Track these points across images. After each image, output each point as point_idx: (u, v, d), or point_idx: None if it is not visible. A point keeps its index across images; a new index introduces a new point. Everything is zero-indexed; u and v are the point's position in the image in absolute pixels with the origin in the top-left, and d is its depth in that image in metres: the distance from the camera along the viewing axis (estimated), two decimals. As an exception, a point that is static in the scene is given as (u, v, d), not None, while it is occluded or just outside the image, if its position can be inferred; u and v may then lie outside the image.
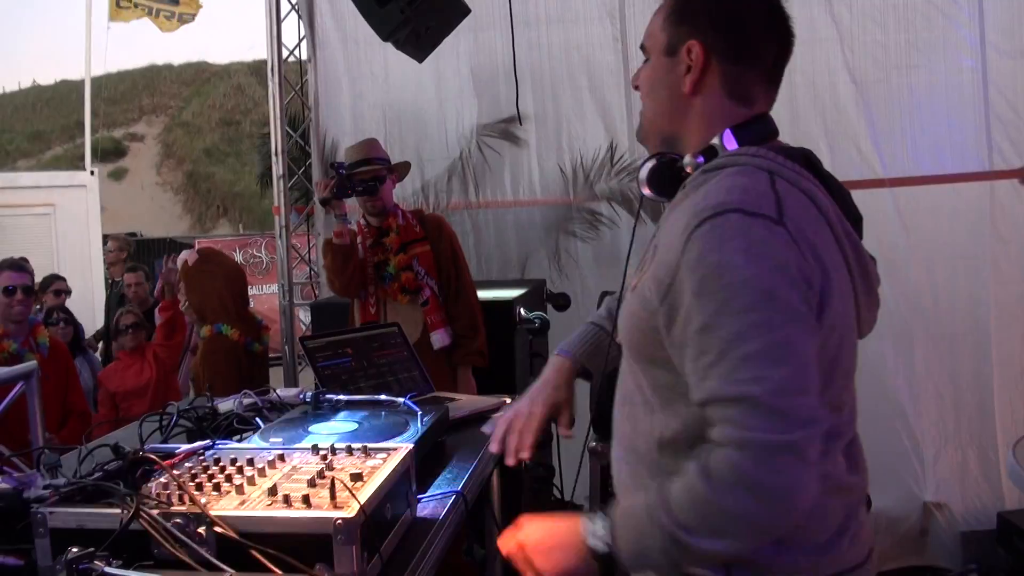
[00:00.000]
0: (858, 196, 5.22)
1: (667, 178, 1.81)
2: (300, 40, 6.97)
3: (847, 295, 1.66)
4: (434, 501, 2.35)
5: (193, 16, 13.91)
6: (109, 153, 38.28)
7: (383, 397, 2.72)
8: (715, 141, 1.75)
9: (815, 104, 5.80)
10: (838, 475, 1.68)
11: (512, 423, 2.22)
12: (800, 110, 5.82)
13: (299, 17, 6.94)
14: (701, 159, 1.75)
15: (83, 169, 14.77)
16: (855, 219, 1.76)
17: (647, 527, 1.58)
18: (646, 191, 1.86)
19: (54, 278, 8.18)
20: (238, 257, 16.24)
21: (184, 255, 5.51)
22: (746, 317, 1.48)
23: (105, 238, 12.70)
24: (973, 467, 5.66)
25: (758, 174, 1.62)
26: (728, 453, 1.47)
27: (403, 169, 5.34)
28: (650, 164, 1.84)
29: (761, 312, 1.48)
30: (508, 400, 3.36)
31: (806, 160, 1.72)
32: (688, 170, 1.77)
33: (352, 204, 5.16)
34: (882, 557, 5.53)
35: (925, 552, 5.68)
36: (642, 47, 1.88)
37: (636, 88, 1.90)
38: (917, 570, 5.66)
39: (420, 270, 4.97)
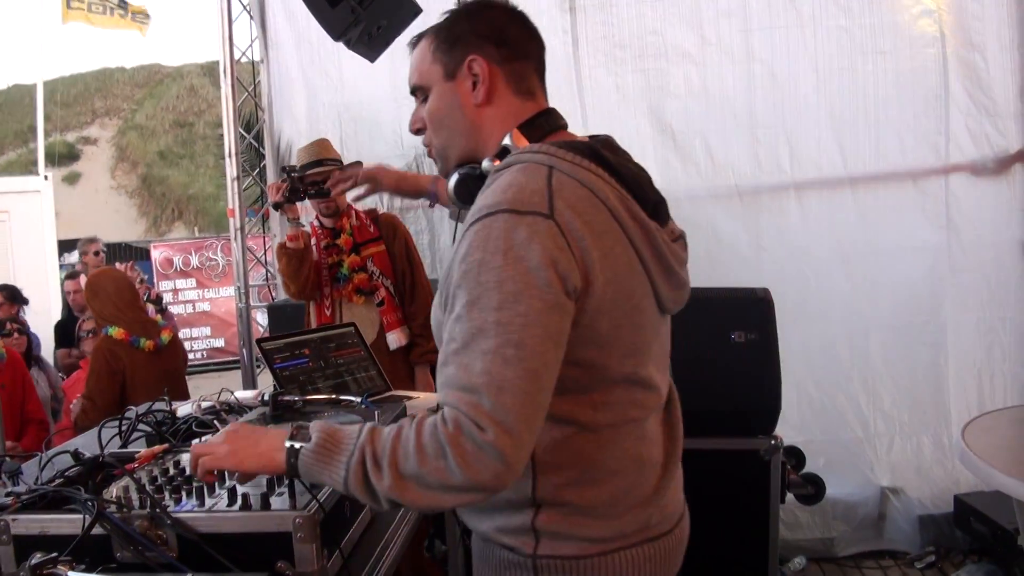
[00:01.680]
0: (816, 190, 5.25)
1: (473, 187, 1.89)
2: (252, 41, 6.94)
3: (629, 277, 1.75)
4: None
5: (147, 16, 13.73)
6: (63, 157, 37.85)
7: (342, 397, 2.74)
8: (506, 141, 1.87)
9: (774, 95, 5.79)
10: (641, 450, 1.86)
11: None
12: (758, 102, 5.82)
13: (251, 18, 6.90)
14: (497, 161, 1.86)
15: (36, 174, 14.62)
16: (654, 203, 1.85)
17: (344, 443, 1.69)
18: (454, 203, 1.97)
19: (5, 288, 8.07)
20: (194, 260, 16.15)
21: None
22: (492, 315, 1.59)
23: (71, 243, 12.60)
24: (928, 452, 5.71)
25: (538, 170, 1.72)
26: (451, 429, 1.57)
27: (354, 169, 5.32)
28: (454, 178, 1.95)
29: (505, 312, 1.58)
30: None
31: (592, 151, 1.78)
32: (487, 174, 1.87)
33: (307, 205, 5.16)
34: (840, 542, 5.62)
35: (883, 537, 5.73)
36: (414, 91, 2.02)
37: (417, 132, 2.02)
38: (875, 554, 5.71)
39: (375, 270, 4.99)
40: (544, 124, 1.90)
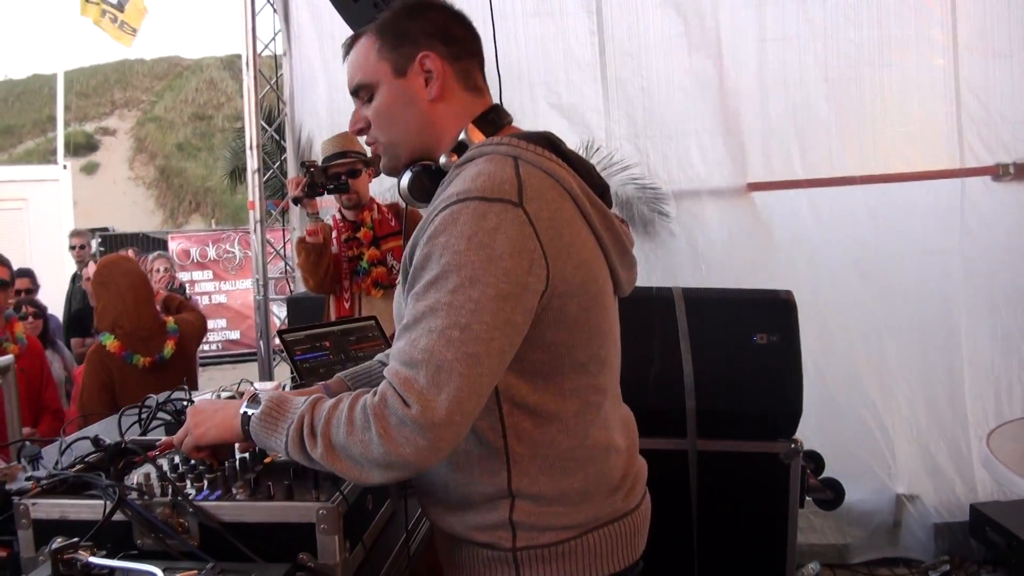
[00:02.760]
0: (828, 193, 5.28)
1: (430, 183, 1.92)
2: (275, 34, 6.95)
3: (593, 262, 1.81)
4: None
5: (134, 31, 13.60)
6: (81, 147, 38.08)
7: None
8: (462, 136, 1.89)
9: (787, 102, 5.83)
10: (606, 437, 1.90)
11: None
12: (771, 107, 5.85)
13: (274, 11, 6.92)
14: (454, 157, 1.88)
15: (55, 163, 14.68)
16: (602, 188, 1.91)
17: (288, 411, 1.74)
18: (410, 201, 1.98)
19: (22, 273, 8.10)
20: (211, 252, 16.18)
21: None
22: (445, 296, 1.62)
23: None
24: (944, 459, 5.69)
25: (504, 160, 1.74)
26: (378, 402, 1.61)
27: (378, 162, 5.28)
28: (408, 176, 1.95)
29: (459, 295, 1.61)
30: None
31: (548, 141, 1.82)
32: (445, 170, 1.88)
33: (329, 198, 5.14)
34: (855, 549, 5.60)
35: (898, 544, 5.72)
36: (356, 92, 1.98)
37: (359, 132, 2.01)
38: (890, 561, 5.69)
39: (394, 264, 4.97)
40: (496, 119, 1.93)
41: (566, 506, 1.82)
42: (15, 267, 8.19)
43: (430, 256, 1.66)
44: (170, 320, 5.14)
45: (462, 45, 1.94)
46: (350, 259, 5.04)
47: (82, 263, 9.21)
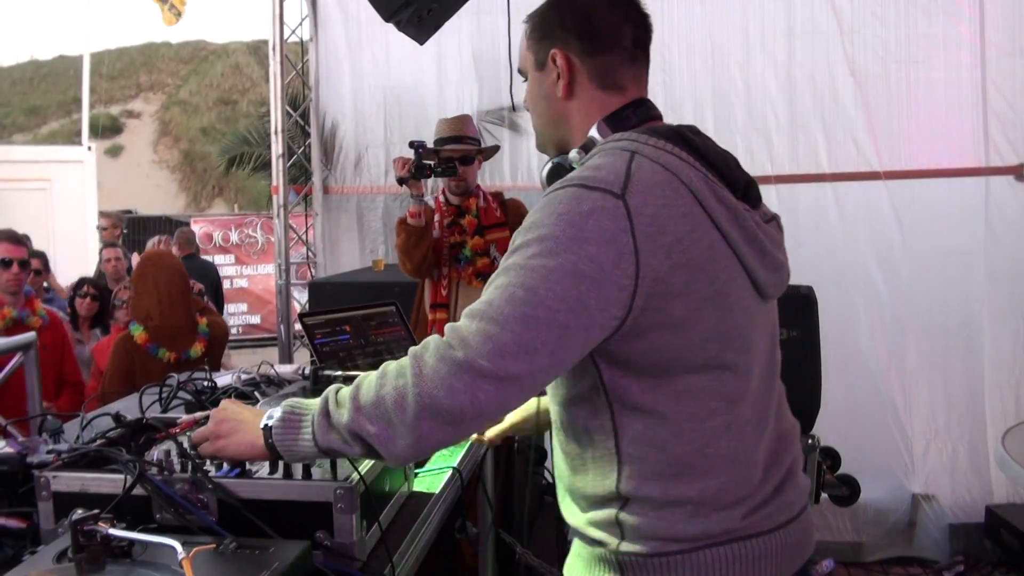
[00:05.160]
0: (853, 188, 5.27)
1: (563, 176, 1.85)
2: (302, 19, 6.96)
3: (712, 262, 1.69)
4: (431, 476, 2.38)
5: (179, 14, 13.72)
6: (106, 129, 38.22)
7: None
8: (592, 133, 1.85)
9: (814, 97, 5.82)
10: (735, 447, 1.74)
11: None
12: (798, 102, 5.85)
13: (301, -4, 6.95)
14: (582, 153, 1.85)
15: (80, 145, 14.72)
16: (745, 185, 1.82)
17: (308, 406, 1.72)
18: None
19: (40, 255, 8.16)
20: (233, 236, 16.23)
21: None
22: (523, 260, 1.60)
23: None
24: (962, 460, 5.69)
25: (620, 155, 1.70)
26: (419, 348, 1.62)
27: (492, 152, 5.22)
28: (547, 167, 1.95)
29: (534, 261, 1.59)
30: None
31: (678, 135, 1.76)
32: (574, 166, 1.85)
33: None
34: (869, 547, 5.60)
35: (913, 544, 5.71)
36: (520, 72, 2.02)
37: (527, 109, 2.03)
38: (904, 560, 5.69)
39: (497, 256, 4.80)
40: (633, 116, 1.85)
41: (676, 516, 1.70)
42: (42, 247, 8.30)
43: (520, 231, 1.66)
44: (203, 322, 5.11)
45: (601, 39, 1.86)
46: (452, 245, 4.93)
47: (110, 245, 9.26)
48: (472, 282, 4.82)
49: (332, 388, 1.70)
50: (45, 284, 7.72)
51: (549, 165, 1.95)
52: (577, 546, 1.85)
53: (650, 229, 1.61)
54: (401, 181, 4.71)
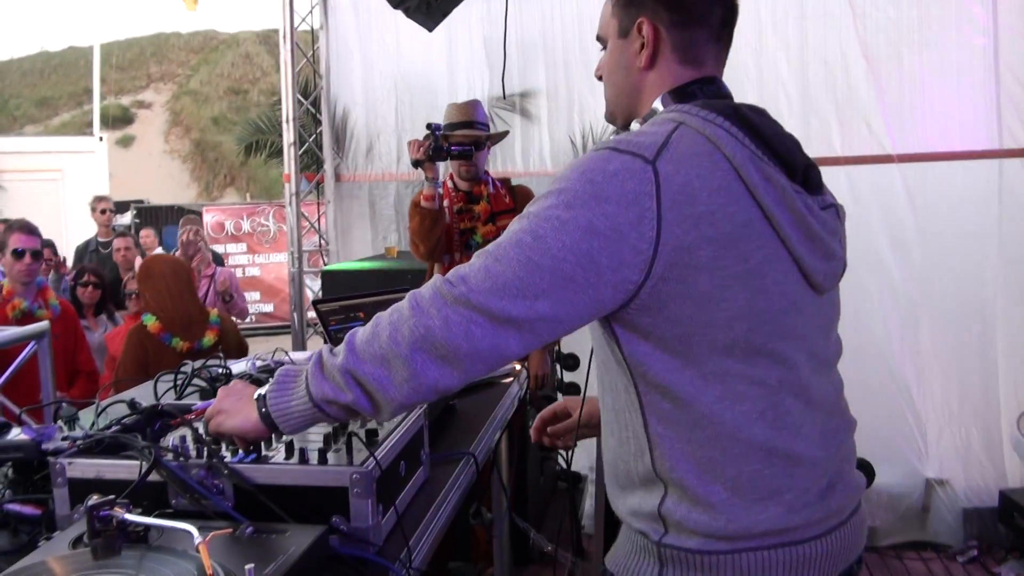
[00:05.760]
0: (866, 172, 5.24)
1: None
2: (312, 7, 6.96)
3: (746, 240, 1.63)
4: (446, 461, 2.38)
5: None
6: (117, 120, 38.29)
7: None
8: (655, 104, 1.82)
9: (826, 80, 5.79)
10: (773, 439, 1.69)
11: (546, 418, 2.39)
12: (811, 86, 5.83)
13: (311, -15, 6.95)
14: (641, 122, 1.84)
15: (91, 135, 14.77)
16: (805, 168, 1.77)
17: (300, 369, 1.72)
18: None
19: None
20: (245, 225, 16.24)
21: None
22: (537, 209, 1.61)
23: (123, 204, 12.74)
24: (976, 445, 5.68)
25: (665, 124, 1.68)
26: (419, 288, 1.63)
27: (501, 137, 5.24)
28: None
29: (549, 211, 1.59)
30: (518, 367, 3.39)
31: (732, 110, 1.73)
32: None
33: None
34: (883, 532, 5.59)
35: (926, 528, 5.71)
36: (598, 38, 1.97)
37: (599, 79, 1.99)
38: (918, 545, 5.69)
39: None
40: (699, 91, 1.81)
41: (715, 509, 1.65)
42: (54, 237, 8.34)
43: (548, 186, 1.65)
44: (213, 312, 5.19)
45: (691, 12, 1.81)
46: (463, 231, 4.95)
47: (107, 227, 9.31)
48: None
49: (326, 346, 1.70)
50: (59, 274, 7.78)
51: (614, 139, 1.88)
52: (624, 531, 1.84)
53: (679, 197, 1.57)
54: (416, 164, 4.71)
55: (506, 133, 5.26)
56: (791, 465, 1.70)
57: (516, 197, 5.00)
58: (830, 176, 5.50)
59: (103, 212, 9.45)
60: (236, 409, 1.78)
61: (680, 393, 1.65)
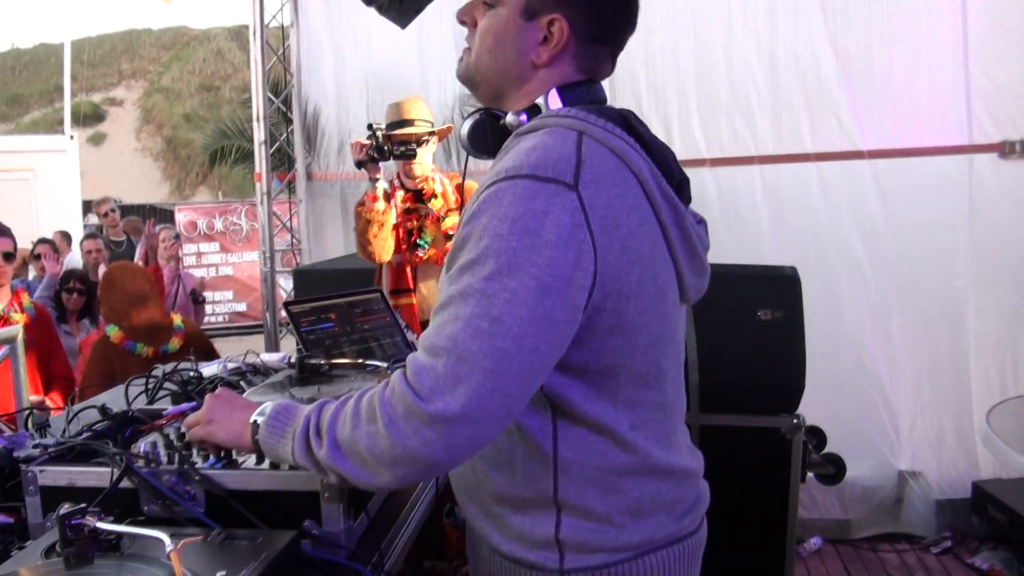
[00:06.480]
0: (837, 168, 5.26)
1: (489, 135, 1.80)
2: (283, 5, 6.94)
3: (654, 260, 1.64)
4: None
5: None
6: (88, 118, 38.06)
7: (368, 362, 2.74)
8: (539, 100, 1.73)
9: (796, 75, 5.80)
10: (668, 458, 1.75)
11: None
12: (781, 81, 5.83)
13: (282, -19, 6.92)
14: (524, 117, 1.74)
15: (62, 133, 14.68)
16: (678, 182, 1.74)
17: (296, 417, 1.66)
18: (468, 149, 1.85)
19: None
20: (218, 224, 16.16)
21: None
22: (480, 283, 1.49)
23: (87, 203, 12.66)
24: (949, 436, 5.71)
25: (566, 134, 1.60)
26: (387, 392, 1.52)
27: (445, 133, 5.16)
28: (471, 122, 1.82)
29: (494, 283, 1.48)
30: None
31: (622, 119, 1.68)
32: (510, 129, 1.76)
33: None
34: (857, 525, 5.63)
35: (900, 520, 5.74)
36: None
37: (463, 23, 1.83)
38: (891, 537, 5.72)
39: None
40: (584, 94, 1.72)
41: (618, 525, 1.68)
42: (26, 238, 8.27)
43: (469, 237, 1.54)
44: (177, 317, 5.19)
45: (606, 32, 1.73)
46: (409, 231, 4.90)
47: (112, 226, 9.32)
48: (441, 262, 4.77)
49: (316, 407, 1.63)
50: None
51: (472, 121, 1.82)
52: (506, 567, 1.77)
53: (604, 222, 1.54)
54: (360, 164, 4.70)
55: (450, 129, 5.23)
56: (680, 479, 1.78)
57: (464, 195, 4.87)
58: (801, 172, 5.51)
59: (106, 214, 9.45)
60: (229, 423, 1.76)
61: (596, 423, 1.65)
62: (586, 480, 1.66)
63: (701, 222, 1.86)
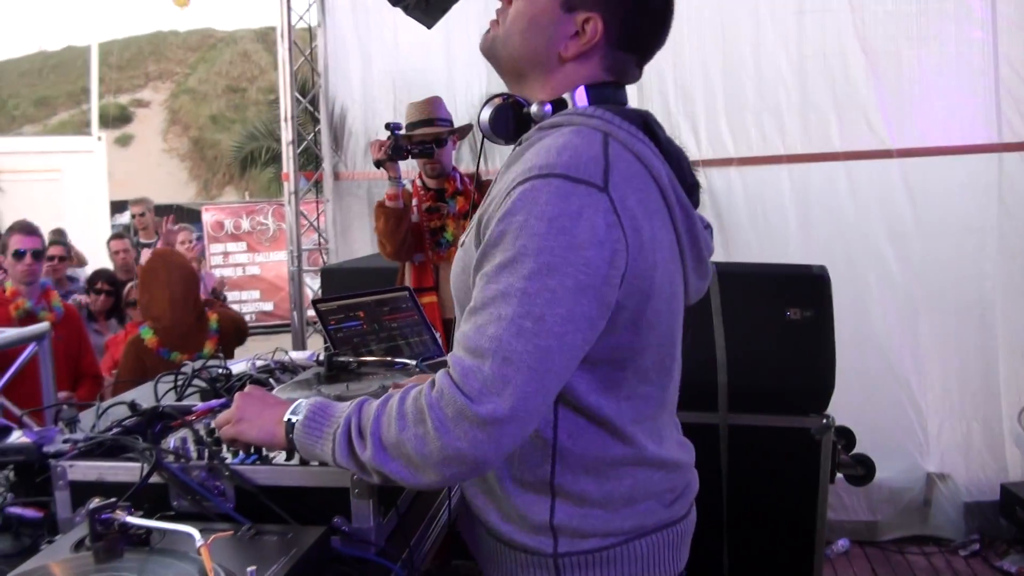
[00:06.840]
0: (865, 167, 5.24)
1: (511, 121, 1.79)
2: (310, 5, 6.95)
3: (670, 262, 1.67)
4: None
5: None
6: (115, 119, 38.28)
7: (396, 360, 2.74)
8: (566, 95, 1.73)
9: (825, 74, 5.78)
10: (660, 451, 1.78)
11: None
12: (809, 80, 5.81)
13: (309, -18, 6.94)
14: (549, 109, 1.73)
15: (89, 135, 14.76)
16: (690, 186, 1.75)
17: (334, 417, 1.64)
18: (488, 134, 1.84)
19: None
20: (244, 224, 16.21)
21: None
22: (520, 282, 1.49)
23: (122, 203, 12.71)
24: (977, 438, 5.67)
25: (593, 135, 1.60)
26: (435, 393, 1.51)
27: (465, 131, 5.22)
28: (492, 107, 1.81)
29: (534, 283, 1.48)
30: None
31: (643, 122, 1.69)
32: (534, 119, 1.75)
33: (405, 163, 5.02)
34: (884, 526, 5.60)
35: (928, 522, 5.70)
36: None
37: None
38: (919, 539, 5.69)
39: None
40: (611, 95, 1.73)
41: (610, 511, 1.71)
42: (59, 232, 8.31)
43: (505, 234, 1.52)
44: (213, 318, 5.12)
45: (639, 39, 1.74)
46: (432, 230, 4.95)
47: (143, 229, 9.35)
48: None
49: (356, 407, 1.62)
50: (69, 272, 7.76)
51: (493, 107, 1.80)
52: (494, 552, 1.81)
53: (633, 223, 1.56)
54: (379, 164, 4.76)
55: (470, 127, 5.24)
56: (671, 471, 1.81)
57: (485, 193, 4.91)
58: (829, 171, 5.49)
59: (143, 214, 9.48)
60: (260, 422, 1.75)
61: (599, 415, 1.67)
62: (583, 469, 1.70)
63: (707, 227, 1.86)
